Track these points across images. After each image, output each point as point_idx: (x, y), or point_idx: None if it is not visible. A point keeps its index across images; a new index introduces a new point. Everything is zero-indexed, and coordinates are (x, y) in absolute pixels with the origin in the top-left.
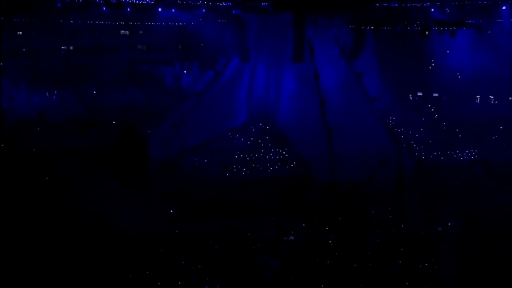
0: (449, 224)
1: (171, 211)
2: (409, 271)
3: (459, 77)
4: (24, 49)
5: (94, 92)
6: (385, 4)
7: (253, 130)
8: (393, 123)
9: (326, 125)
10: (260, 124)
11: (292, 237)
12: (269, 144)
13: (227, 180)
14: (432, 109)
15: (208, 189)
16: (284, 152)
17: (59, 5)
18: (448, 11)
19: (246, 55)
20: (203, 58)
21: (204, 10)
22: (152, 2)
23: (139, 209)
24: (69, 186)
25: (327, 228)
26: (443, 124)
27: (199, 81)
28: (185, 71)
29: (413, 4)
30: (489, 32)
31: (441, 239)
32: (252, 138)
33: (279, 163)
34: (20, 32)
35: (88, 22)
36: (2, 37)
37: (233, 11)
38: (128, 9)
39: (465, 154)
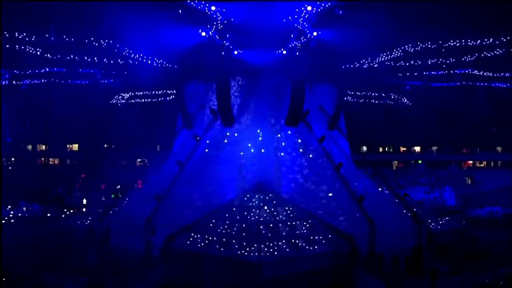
0: None
1: None
2: None
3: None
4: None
5: None
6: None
7: (254, 202)
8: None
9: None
10: (261, 194)
11: None
12: (278, 215)
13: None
14: None
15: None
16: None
17: None
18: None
19: (230, 119)
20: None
21: None
22: None
23: None
24: None
25: None
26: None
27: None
28: None
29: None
30: (458, 83)
31: None
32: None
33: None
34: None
35: None
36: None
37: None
38: None
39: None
